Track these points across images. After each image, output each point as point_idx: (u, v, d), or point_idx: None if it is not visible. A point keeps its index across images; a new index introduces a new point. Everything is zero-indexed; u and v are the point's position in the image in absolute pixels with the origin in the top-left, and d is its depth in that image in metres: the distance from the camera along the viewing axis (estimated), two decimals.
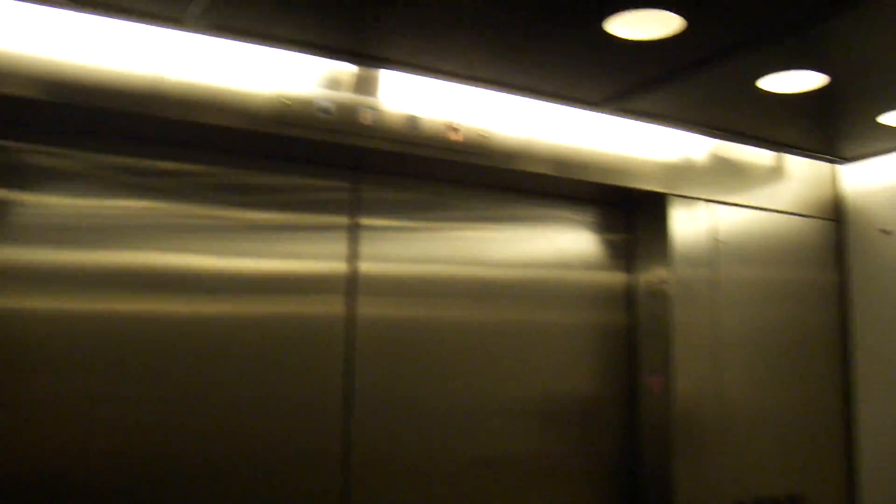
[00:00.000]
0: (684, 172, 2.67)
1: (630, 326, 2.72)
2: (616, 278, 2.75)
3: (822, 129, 2.70)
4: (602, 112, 2.51)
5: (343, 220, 2.32)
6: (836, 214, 2.97)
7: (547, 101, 2.43)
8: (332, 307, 2.28)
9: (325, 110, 2.12)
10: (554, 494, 2.54)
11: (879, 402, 2.76)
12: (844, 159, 2.95)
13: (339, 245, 2.30)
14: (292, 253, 2.25)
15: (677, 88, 2.34)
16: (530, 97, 2.41)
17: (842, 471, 2.84)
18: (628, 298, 2.74)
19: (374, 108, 2.19)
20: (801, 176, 2.92)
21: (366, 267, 2.33)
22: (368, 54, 2.15)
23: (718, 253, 2.69)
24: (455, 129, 2.29)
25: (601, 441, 2.65)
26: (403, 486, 2.31)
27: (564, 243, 2.68)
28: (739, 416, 2.66)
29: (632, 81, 2.30)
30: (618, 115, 2.54)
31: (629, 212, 2.77)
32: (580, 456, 2.61)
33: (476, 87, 2.33)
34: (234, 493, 2.11)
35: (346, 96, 2.15)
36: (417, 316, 2.40)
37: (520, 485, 2.49)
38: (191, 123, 1.98)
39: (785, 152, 2.87)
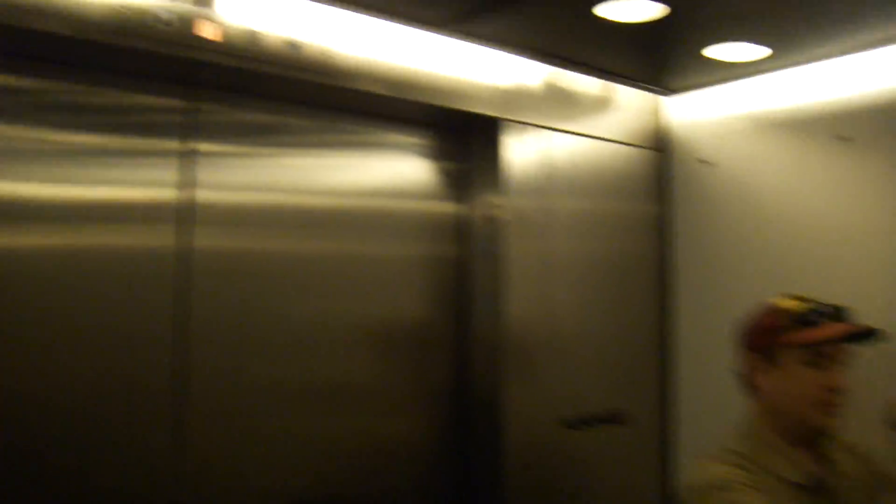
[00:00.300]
0: (518, 98, 2.81)
1: (464, 254, 2.87)
2: (452, 206, 2.88)
3: (651, 59, 2.92)
4: (442, 34, 2.62)
5: (179, 144, 2.32)
6: (660, 145, 3.22)
7: (388, 20, 2.50)
8: (168, 237, 2.29)
9: (165, 21, 2.10)
10: (388, 418, 2.69)
11: (696, 326, 3.05)
12: (669, 91, 3.19)
13: (175, 171, 2.31)
14: (126, 180, 2.24)
15: (517, 12, 2.46)
16: (372, 15, 2.47)
17: (659, 388, 3.15)
18: (463, 226, 2.87)
19: (214, 21, 2.19)
20: (629, 106, 3.14)
21: (203, 195, 2.35)
22: None
23: (551, 181, 2.85)
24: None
25: (434, 366, 2.81)
26: (240, 414, 2.38)
27: (403, 170, 2.78)
28: (566, 340, 2.88)
29: (473, 3, 2.40)
30: (457, 38, 2.66)
31: (465, 138, 2.88)
32: (413, 381, 2.76)
33: (318, 2, 2.37)
34: (62, 428, 2.12)
35: (186, 7, 2.14)
36: (256, 246, 2.45)
37: (355, 410, 2.61)
38: (18, 29, 1.92)
39: (614, 81, 3.08)
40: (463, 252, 2.87)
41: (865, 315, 2.26)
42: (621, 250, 3.10)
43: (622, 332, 3.08)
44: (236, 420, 2.37)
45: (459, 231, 2.87)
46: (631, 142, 3.12)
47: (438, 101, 2.64)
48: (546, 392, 2.81)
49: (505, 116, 2.78)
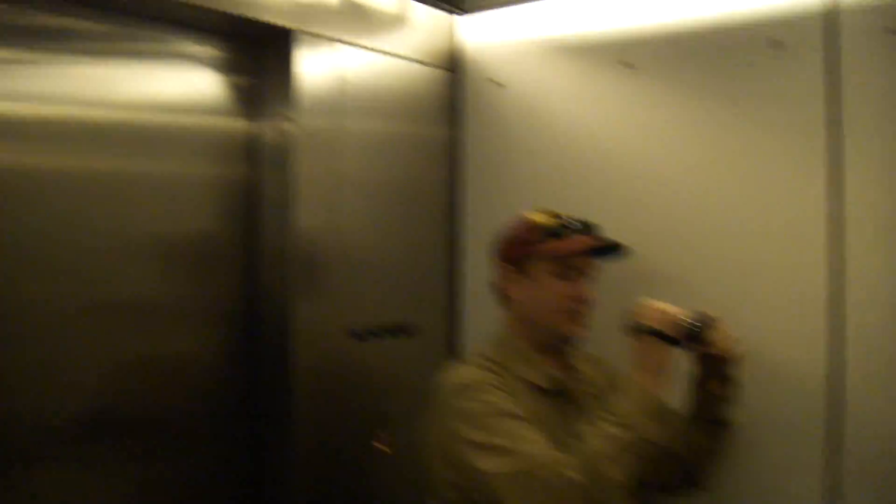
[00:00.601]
0: (312, 9, 2.87)
1: (254, 170, 2.94)
2: (242, 122, 2.93)
3: None
4: None
5: None
6: (453, 65, 3.37)
7: None
8: None
9: None
10: (175, 335, 2.76)
11: (483, 243, 3.18)
12: (462, 10, 3.34)
13: None
14: None
15: None
16: None
17: (447, 302, 3.36)
18: (254, 142, 2.94)
19: None
20: (423, 24, 3.27)
21: None
22: None
23: (344, 98, 2.95)
24: None
25: (221, 281, 2.89)
26: (18, 334, 2.39)
27: (193, 84, 2.81)
28: (357, 256, 3.02)
29: None
30: None
31: (257, 51, 2.92)
32: (200, 296, 2.83)
33: None
34: None
35: None
36: (35, 160, 2.43)
37: (140, 328, 2.66)
38: None
39: None
40: (253, 169, 2.93)
41: (635, 235, 2.49)
42: (413, 169, 3.25)
43: (412, 249, 3.25)
44: (13, 340, 2.38)
45: (250, 148, 2.93)
46: (424, 60, 3.26)
47: (230, 9, 2.65)
48: (334, 304, 2.95)
49: (298, 28, 2.83)
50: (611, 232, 2.51)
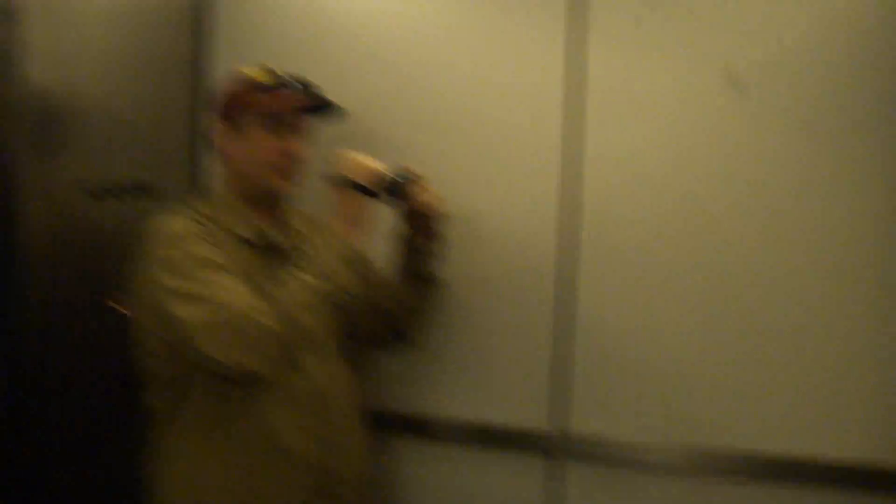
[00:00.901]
0: None
1: None
2: None
3: None
4: None
5: None
6: None
7: None
8: None
9: None
10: None
11: None
12: None
13: None
14: None
15: None
16: None
17: (188, 163, 3.37)
18: None
19: None
20: None
21: None
22: None
23: None
24: None
25: None
26: None
27: None
28: (96, 116, 2.98)
29: None
30: None
31: None
32: None
33: None
34: None
35: None
36: None
37: None
38: None
39: None
40: None
41: (367, 95, 2.53)
42: (160, 31, 3.20)
43: (156, 111, 3.22)
44: None
45: None
46: None
47: None
48: (71, 164, 2.91)
49: None
50: (350, 92, 2.56)
